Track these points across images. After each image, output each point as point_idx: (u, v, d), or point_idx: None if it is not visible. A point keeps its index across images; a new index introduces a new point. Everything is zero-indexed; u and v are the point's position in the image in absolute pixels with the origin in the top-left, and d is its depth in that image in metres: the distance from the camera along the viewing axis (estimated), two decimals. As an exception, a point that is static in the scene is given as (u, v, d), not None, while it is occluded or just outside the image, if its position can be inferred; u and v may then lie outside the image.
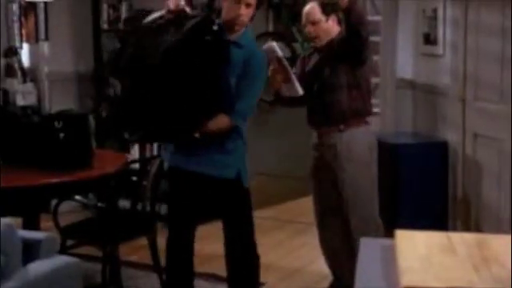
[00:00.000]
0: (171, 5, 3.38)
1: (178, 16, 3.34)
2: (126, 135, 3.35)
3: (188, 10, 3.42)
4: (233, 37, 3.40)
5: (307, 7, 3.97)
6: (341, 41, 3.74)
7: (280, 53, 3.72)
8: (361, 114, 3.83)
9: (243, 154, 3.49)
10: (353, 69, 3.77)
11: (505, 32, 4.02)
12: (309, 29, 3.93)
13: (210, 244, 5.36)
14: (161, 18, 3.38)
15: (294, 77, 3.77)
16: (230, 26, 3.39)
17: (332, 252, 4.06)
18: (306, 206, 5.79)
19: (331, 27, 3.91)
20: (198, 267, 4.81)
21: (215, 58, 3.27)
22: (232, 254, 3.58)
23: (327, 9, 3.88)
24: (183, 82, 3.21)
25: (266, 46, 3.73)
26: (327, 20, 3.90)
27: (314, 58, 3.97)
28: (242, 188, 3.49)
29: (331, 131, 3.85)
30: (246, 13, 3.34)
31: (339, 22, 3.88)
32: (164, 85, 3.20)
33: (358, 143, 3.81)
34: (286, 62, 3.74)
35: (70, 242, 4.09)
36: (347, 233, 3.86)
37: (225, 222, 3.57)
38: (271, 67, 3.71)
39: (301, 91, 3.76)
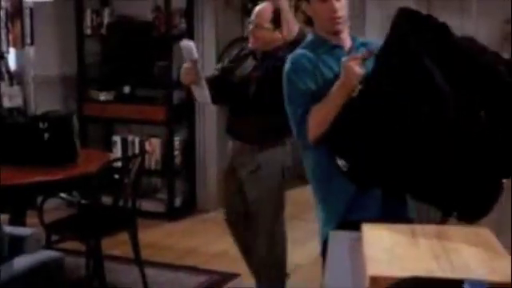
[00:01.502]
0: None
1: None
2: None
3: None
4: (345, 41, 2.64)
5: (260, 7, 3.57)
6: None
7: (196, 55, 3.40)
8: (279, 134, 3.52)
9: None
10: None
11: (463, 33, 4.05)
12: (252, 29, 3.56)
13: (184, 239, 5.38)
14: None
15: (204, 83, 3.43)
16: (330, 29, 2.60)
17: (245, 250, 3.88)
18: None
19: (275, 39, 3.50)
20: (177, 261, 4.83)
21: None
22: None
23: (278, 21, 3.48)
24: None
25: (185, 44, 3.43)
26: (274, 30, 3.49)
27: (249, 64, 3.62)
28: None
29: (250, 148, 3.59)
30: (340, 6, 2.56)
31: (285, 36, 3.51)
32: None
33: (272, 163, 3.57)
34: (199, 67, 3.44)
35: (54, 238, 4.07)
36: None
37: None
38: (185, 65, 3.42)
39: (209, 99, 3.46)
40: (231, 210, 3.83)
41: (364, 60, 2.38)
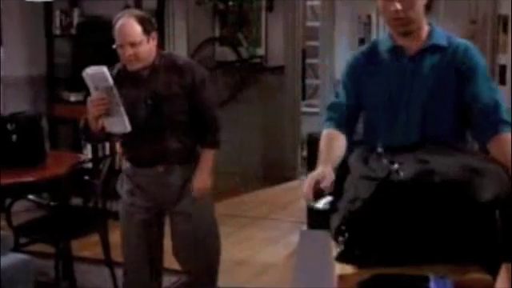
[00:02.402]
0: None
1: None
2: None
3: None
4: (414, 42, 2.40)
5: (122, 24, 3.17)
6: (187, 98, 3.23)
7: (111, 82, 3.03)
8: (193, 149, 3.37)
9: None
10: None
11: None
12: (127, 51, 3.15)
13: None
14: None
15: (123, 110, 3.04)
16: (393, 30, 2.42)
17: None
18: (250, 200, 5.82)
19: (152, 48, 3.22)
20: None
21: None
22: None
23: (148, 27, 3.18)
24: None
25: (93, 71, 3.05)
26: (148, 40, 3.19)
27: (137, 86, 3.27)
28: None
29: (167, 168, 3.31)
30: (404, 6, 2.30)
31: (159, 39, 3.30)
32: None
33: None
34: (116, 93, 3.03)
35: (23, 240, 4.03)
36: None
37: None
38: (96, 95, 3.08)
39: (129, 127, 3.06)
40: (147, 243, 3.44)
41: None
